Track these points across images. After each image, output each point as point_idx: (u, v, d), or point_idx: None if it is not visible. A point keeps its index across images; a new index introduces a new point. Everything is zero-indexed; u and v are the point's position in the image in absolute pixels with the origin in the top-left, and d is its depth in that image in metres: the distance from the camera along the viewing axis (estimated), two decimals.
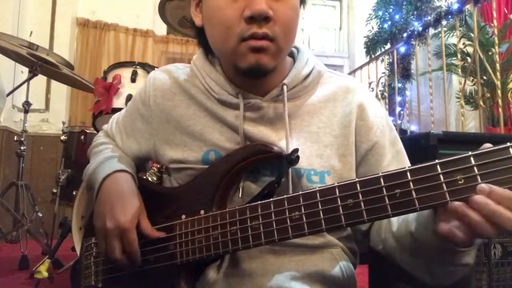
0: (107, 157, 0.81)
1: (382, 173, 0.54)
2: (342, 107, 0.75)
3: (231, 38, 0.67)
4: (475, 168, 0.49)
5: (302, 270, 0.69)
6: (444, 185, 0.50)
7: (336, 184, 0.57)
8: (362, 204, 0.55)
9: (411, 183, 0.52)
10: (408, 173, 0.52)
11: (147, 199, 0.75)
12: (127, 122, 0.87)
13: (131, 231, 0.68)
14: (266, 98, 0.73)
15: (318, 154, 0.72)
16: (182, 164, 0.76)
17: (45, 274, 1.86)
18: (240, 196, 0.71)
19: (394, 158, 0.75)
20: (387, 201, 0.53)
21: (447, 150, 1.18)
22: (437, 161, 0.51)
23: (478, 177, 0.49)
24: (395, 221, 0.68)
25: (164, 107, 0.79)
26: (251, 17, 0.64)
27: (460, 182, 0.49)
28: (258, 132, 0.72)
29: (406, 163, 0.76)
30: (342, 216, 0.56)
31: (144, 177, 0.87)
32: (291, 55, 0.81)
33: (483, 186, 0.48)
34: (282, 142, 0.71)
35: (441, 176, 0.51)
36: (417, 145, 1.25)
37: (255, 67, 0.67)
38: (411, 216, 0.63)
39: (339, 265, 0.72)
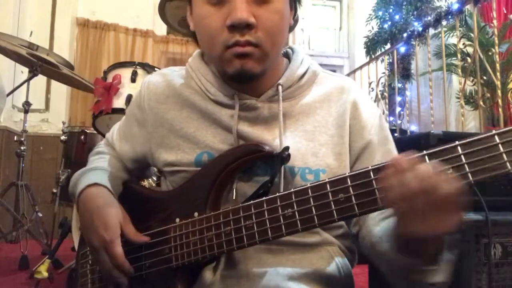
0: (85, 170, 0.82)
1: (371, 166, 0.55)
2: (337, 107, 0.76)
3: (217, 46, 0.68)
4: (463, 157, 0.50)
5: (299, 269, 0.69)
6: None
7: (327, 180, 0.58)
8: (353, 198, 0.55)
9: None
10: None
11: (140, 205, 0.75)
12: (125, 127, 0.88)
13: (114, 244, 0.68)
14: (262, 98, 0.74)
15: (313, 152, 0.73)
16: (176, 167, 0.76)
17: (45, 274, 1.86)
18: (234, 197, 0.71)
19: (383, 158, 0.75)
20: (377, 194, 0.54)
21: None
22: (425, 152, 0.52)
23: (466, 166, 0.50)
24: (379, 232, 0.69)
25: (158, 110, 0.80)
26: (233, 25, 0.65)
27: (448, 172, 0.50)
28: (252, 132, 0.73)
29: None
30: (334, 211, 0.57)
31: (138, 183, 0.87)
32: (286, 55, 0.81)
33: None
34: (276, 141, 0.72)
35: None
36: (417, 145, 1.25)
37: (241, 73, 0.68)
38: (386, 234, 0.65)
39: (336, 263, 0.73)
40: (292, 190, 0.60)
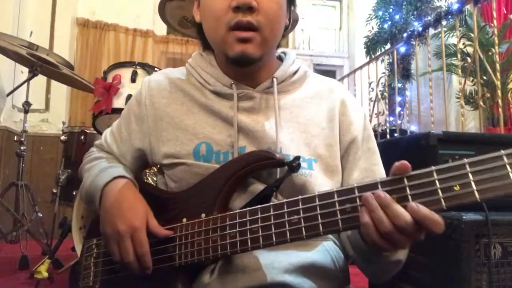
0: (103, 168, 0.81)
1: (380, 179, 0.56)
2: (327, 104, 0.83)
3: (220, 28, 0.74)
4: (470, 175, 0.50)
5: (295, 263, 0.70)
6: (440, 191, 0.52)
7: (335, 189, 0.58)
8: (359, 209, 0.56)
9: (407, 189, 0.53)
10: (405, 179, 0.54)
11: (149, 204, 0.75)
12: (122, 127, 0.88)
13: (142, 231, 0.68)
14: (258, 89, 0.80)
15: (306, 143, 0.78)
16: (175, 159, 0.77)
17: (45, 274, 1.86)
18: (237, 190, 0.73)
19: (364, 154, 0.81)
20: None
21: (447, 150, 1.18)
22: (433, 167, 0.53)
23: (473, 184, 0.50)
24: None
25: (159, 105, 0.83)
26: (237, 6, 0.72)
27: (455, 189, 0.51)
28: (250, 122, 0.77)
29: (375, 160, 0.82)
30: (340, 221, 0.57)
31: (146, 181, 0.87)
32: (280, 59, 0.87)
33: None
34: (272, 131, 0.76)
35: (437, 182, 0.52)
36: (417, 145, 1.25)
37: (241, 56, 0.73)
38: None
39: (331, 257, 0.74)
40: (300, 197, 0.61)
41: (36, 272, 1.87)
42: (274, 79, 0.79)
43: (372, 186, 0.56)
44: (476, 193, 0.50)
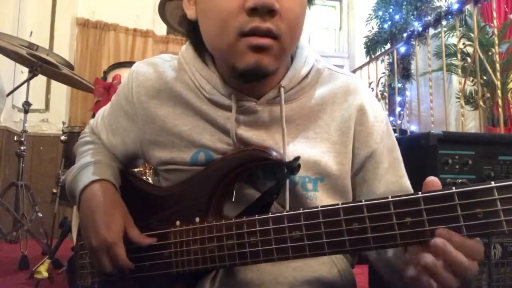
0: (85, 164, 0.76)
1: (392, 197, 0.50)
2: (340, 111, 0.71)
3: (229, 33, 0.59)
4: (498, 203, 0.44)
5: (300, 278, 0.66)
6: (461, 218, 0.46)
7: (340, 206, 0.53)
8: (369, 230, 0.50)
9: (424, 212, 0.48)
10: (422, 201, 0.48)
11: (140, 200, 0.73)
12: (112, 118, 0.82)
13: (117, 245, 0.65)
14: (261, 101, 0.68)
15: (314, 161, 0.68)
16: (171, 166, 0.72)
17: (45, 274, 1.86)
18: (233, 200, 0.68)
19: (391, 166, 0.72)
20: (396, 229, 0.49)
21: (447, 150, 1.18)
22: (454, 189, 0.47)
23: (501, 213, 0.44)
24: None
25: (148, 105, 0.73)
26: (254, 8, 0.57)
27: (479, 216, 0.45)
28: (251, 137, 0.68)
29: (401, 171, 0.74)
30: (347, 242, 0.52)
31: (137, 176, 0.83)
32: None
33: (443, 230, 0.46)
34: (277, 146, 0.67)
35: (459, 208, 0.46)
36: (417, 145, 1.25)
37: (254, 69, 0.60)
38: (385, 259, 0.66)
39: (338, 269, 0.71)
40: (302, 211, 0.55)
41: (36, 272, 1.87)
42: (281, 89, 0.67)
43: (382, 206, 0.50)
44: (504, 223, 0.44)
